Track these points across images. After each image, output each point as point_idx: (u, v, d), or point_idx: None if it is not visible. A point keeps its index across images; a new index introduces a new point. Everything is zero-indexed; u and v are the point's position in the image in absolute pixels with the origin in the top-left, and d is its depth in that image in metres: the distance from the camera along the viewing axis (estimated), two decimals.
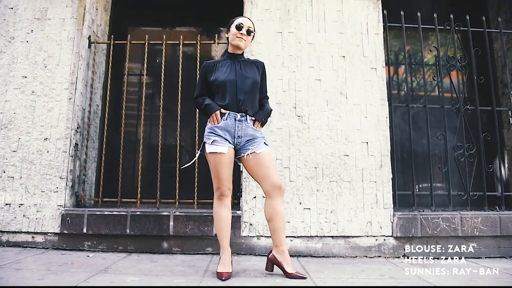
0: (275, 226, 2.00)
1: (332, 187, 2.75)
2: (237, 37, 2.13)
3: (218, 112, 2.06)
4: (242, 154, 2.07)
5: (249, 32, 2.16)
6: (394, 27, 3.13)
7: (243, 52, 2.25)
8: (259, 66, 2.24)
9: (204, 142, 2.09)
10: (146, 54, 3.01)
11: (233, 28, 2.15)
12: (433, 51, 3.49)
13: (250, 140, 2.07)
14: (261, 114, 2.15)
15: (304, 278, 1.99)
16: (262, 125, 2.17)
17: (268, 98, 2.32)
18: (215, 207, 2.08)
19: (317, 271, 2.21)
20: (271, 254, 2.07)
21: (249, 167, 2.09)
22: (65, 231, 2.67)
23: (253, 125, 2.11)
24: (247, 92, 2.10)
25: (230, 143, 2.06)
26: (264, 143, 2.11)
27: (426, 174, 3.12)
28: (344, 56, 2.93)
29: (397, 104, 3.21)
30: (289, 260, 2.03)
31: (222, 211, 2.05)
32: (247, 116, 2.09)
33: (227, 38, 2.22)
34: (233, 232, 2.62)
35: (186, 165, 2.38)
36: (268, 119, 2.30)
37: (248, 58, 2.28)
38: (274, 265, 2.07)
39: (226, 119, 2.06)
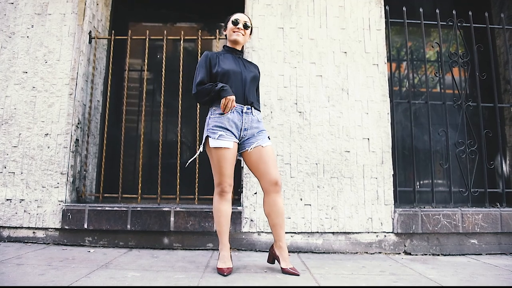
0: (273, 222, 2.04)
1: (333, 183, 2.75)
2: (233, 31, 2.16)
3: (234, 97, 1.95)
4: (246, 148, 2.06)
5: (246, 27, 2.18)
6: (396, 23, 3.12)
7: (242, 50, 2.26)
8: (256, 67, 2.29)
9: (207, 136, 2.02)
10: (147, 50, 3.00)
11: (229, 24, 2.18)
12: (435, 47, 3.47)
13: (256, 133, 2.07)
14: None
15: (298, 274, 1.98)
16: None
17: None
18: (215, 202, 2.05)
19: (318, 267, 2.21)
20: (272, 247, 2.12)
21: (250, 161, 2.06)
22: (66, 227, 2.67)
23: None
24: (251, 86, 2.11)
25: (235, 137, 2.03)
26: (268, 137, 2.11)
27: (427, 171, 3.12)
28: (345, 52, 2.92)
29: (399, 101, 3.20)
30: (286, 256, 2.05)
31: (222, 206, 2.02)
32: (253, 108, 2.08)
33: (225, 35, 2.25)
34: (233, 228, 2.63)
35: (188, 162, 2.41)
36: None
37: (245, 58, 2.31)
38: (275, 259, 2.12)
39: (233, 111, 2.02)
